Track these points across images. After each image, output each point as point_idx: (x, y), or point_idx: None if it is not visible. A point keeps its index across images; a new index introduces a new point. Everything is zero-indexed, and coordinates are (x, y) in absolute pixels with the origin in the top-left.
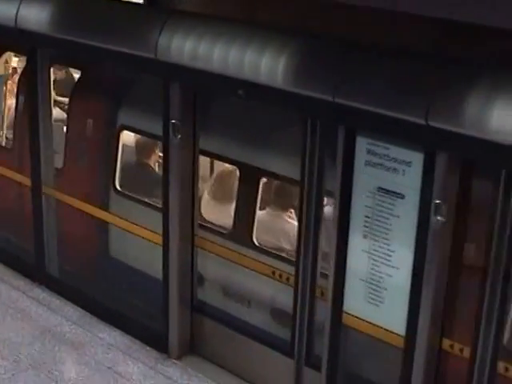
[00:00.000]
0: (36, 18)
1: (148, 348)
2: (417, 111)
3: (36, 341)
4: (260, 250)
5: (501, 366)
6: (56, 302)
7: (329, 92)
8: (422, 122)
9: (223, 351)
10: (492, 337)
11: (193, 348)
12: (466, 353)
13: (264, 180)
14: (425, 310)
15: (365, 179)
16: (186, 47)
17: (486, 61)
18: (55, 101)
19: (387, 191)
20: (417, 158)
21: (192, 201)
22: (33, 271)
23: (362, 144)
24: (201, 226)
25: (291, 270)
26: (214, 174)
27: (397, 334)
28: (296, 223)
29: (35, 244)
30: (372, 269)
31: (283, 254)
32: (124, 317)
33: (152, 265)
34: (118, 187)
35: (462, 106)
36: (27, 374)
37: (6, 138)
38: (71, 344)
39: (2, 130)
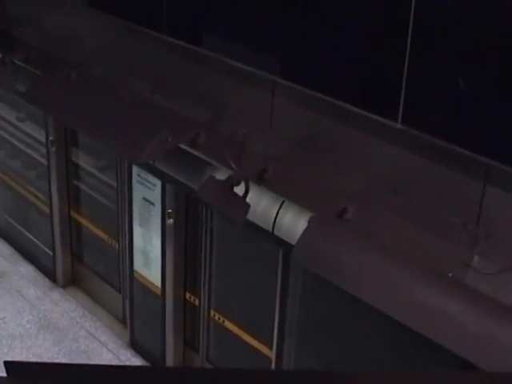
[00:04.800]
0: None
1: (47, 279)
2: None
3: None
4: None
5: (212, 312)
6: None
7: None
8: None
9: (90, 285)
10: (207, 292)
11: (74, 282)
12: (196, 302)
13: None
14: (169, 274)
15: (137, 192)
16: None
17: None
18: None
19: (147, 200)
20: (158, 183)
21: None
22: None
23: (135, 171)
24: None
25: None
26: None
27: (157, 287)
28: None
29: None
30: (143, 246)
31: None
32: (34, 255)
33: None
34: None
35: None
36: None
37: None
38: None
39: None
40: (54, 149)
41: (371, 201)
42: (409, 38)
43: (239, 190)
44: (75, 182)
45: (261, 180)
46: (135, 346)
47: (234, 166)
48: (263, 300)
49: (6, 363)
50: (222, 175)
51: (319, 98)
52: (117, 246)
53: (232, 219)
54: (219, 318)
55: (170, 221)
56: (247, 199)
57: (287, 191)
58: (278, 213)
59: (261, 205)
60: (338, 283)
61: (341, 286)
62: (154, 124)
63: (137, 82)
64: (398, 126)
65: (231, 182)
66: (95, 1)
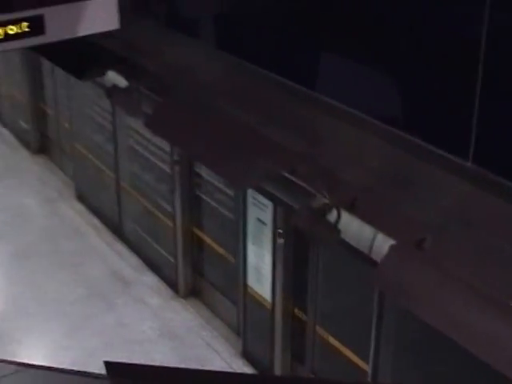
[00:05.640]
0: None
1: (169, 289)
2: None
3: (107, 278)
4: None
5: (318, 328)
6: (127, 253)
7: None
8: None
9: (209, 297)
10: (313, 309)
11: (195, 293)
12: (303, 317)
13: None
14: (279, 290)
15: (252, 213)
16: None
17: None
18: None
19: (260, 220)
20: (270, 205)
21: None
22: (115, 229)
23: (250, 193)
24: None
25: None
26: None
27: (268, 302)
28: None
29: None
30: (256, 263)
31: None
32: (158, 266)
33: None
34: None
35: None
36: (96, 298)
37: None
38: (124, 281)
39: None
40: (177, 167)
41: (445, 232)
42: (479, 82)
43: (331, 216)
44: (198, 197)
45: (351, 208)
46: (247, 356)
47: (326, 194)
48: (362, 318)
49: (105, 363)
50: (317, 203)
51: (404, 137)
52: (233, 262)
53: (323, 244)
54: (323, 334)
55: (281, 240)
56: (340, 225)
57: (373, 219)
58: (375, 238)
59: (362, 231)
60: (411, 309)
61: (414, 312)
62: (259, 154)
63: (245, 115)
64: (469, 164)
65: (323, 210)
66: (214, 38)
